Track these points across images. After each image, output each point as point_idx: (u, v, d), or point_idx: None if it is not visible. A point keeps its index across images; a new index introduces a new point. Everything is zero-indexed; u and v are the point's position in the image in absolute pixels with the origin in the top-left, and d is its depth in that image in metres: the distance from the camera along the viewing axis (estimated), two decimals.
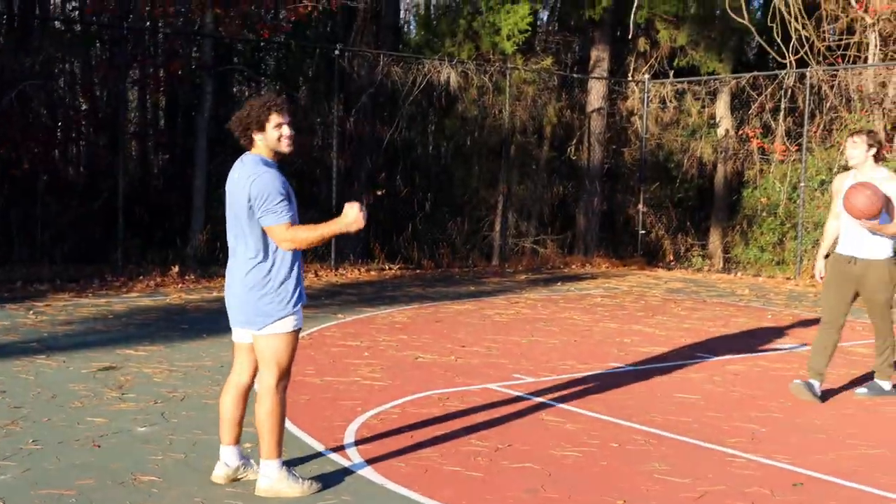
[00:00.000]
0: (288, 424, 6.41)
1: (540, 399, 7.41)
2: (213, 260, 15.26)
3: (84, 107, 17.14)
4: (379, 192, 17.94)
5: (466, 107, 18.77)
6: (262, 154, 5.00)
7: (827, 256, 7.85)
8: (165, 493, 5.03)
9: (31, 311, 10.90)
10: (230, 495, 5.04)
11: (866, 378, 8.54)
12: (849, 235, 7.52)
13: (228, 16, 15.78)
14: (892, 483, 5.55)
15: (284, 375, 5.05)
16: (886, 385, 7.72)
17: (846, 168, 17.25)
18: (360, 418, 6.63)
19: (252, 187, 4.81)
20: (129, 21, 16.33)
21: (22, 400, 6.86)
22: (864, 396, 7.70)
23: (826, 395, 7.69)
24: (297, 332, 5.05)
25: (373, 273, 16.23)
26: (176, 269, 14.36)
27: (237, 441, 5.21)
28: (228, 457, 5.19)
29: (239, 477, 5.18)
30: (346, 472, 5.48)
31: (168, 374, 7.87)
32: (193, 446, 5.89)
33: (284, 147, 5.02)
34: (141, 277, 13.85)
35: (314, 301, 12.52)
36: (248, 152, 5.05)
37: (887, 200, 7.23)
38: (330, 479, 5.32)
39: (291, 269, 4.98)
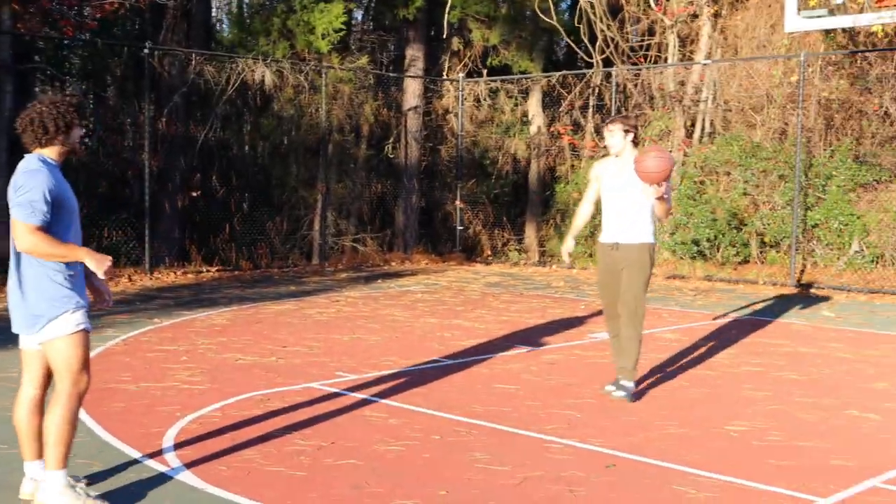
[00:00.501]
0: (101, 433, 6.25)
1: (363, 395, 7.44)
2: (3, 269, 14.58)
3: None
4: (194, 193, 17.58)
5: (282, 106, 18.58)
6: (49, 155, 4.81)
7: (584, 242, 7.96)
8: None
9: None
10: None
11: (672, 363, 8.95)
12: (610, 222, 7.43)
13: (28, 12, 15.15)
14: (697, 460, 5.82)
15: (78, 379, 4.79)
16: (632, 386, 7.36)
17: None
18: (179, 423, 6.50)
19: (15, 179, 4.65)
20: None
21: None
22: (618, 398, 7.32)
23: (640, 380, 7.98)
24: (83, 332, 4.81)
25: (190, 276, 15.89)
26: None
27: (41, 455, 4.93)
28: (35, 472, 4.95)
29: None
30: (166, 478, 5.37)
31: None
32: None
33: (79, 149, 5.03)
34: None
35: (128, 306, 12.18)
36: (32, 153, 4.82)
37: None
38: (148, 487, 5.20)
39: (60, 270, 4.75)
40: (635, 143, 7.42)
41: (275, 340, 9.86)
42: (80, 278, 4.89)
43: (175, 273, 15.90)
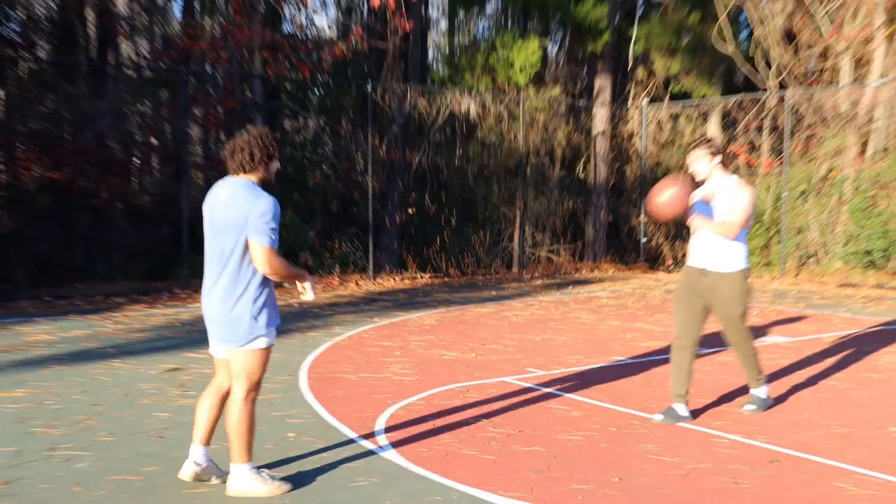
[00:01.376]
0: (326, 416, 6.49)
1: (549, 389, 7.43)
2: None
3: (153, 142, 17.31)
4: (410, 211, 18.00)
5: (485, 133, 18.80)
6: (253, 180, 4.73)
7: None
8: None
9: (110, 321, 11.04)
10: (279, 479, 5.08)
11: (839, 367, 8.52)
12: (700, 246, 6.52)
13: (275, 59, 15.91)
14: (860, 459, 5.53)
15: (254, 388, 4.79)
16: (762, 393, 6.77)
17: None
18: (390, 409, 6.67)
19: (255, 206, 4.56)
20: (190, 66, 16.50)
21: (98, 398, 6.98)
22: (750, 412, 6.67)
23: (808, 382, 7.65)
24: (268, 349, 4.80)
25: (406, 281, 16.28)
26: None
27: (208, 442, 5.00)
28: (198, 456, 4.98)
29: (204, 479, 4.97)
30: (376, 456, 5.52)
31: None
32: None
33: (273, 180, 4.87)
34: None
35: (354, 307, 12.58)
36: (235, 177, 4.75)
37: (732, 202, 6.32)
38: (362, 464, 5.37)
39: (263, 290, 4.72)
40: (724, 166, 6.47)
41: (475, 339, 9.98)
42: (274, 295, 4.84)
43: (394, 279, 16.33)
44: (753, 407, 6.69)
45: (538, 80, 19.92)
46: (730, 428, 6.24)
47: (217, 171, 18.62)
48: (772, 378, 7.71)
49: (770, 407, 6.77)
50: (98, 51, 18.06)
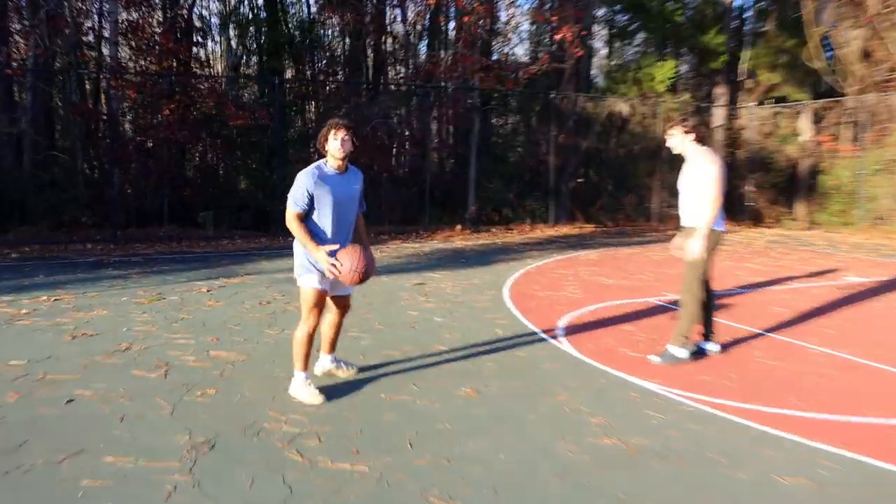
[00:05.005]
0: (522, 319, 6.43)
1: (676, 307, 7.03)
2: (480, 222, 15.44)
3: (407, 133, 17.62)
4: (579, 180, 17.51)
5: (633, 126, 17.93)
6: (327, 161, 4.06)
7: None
8: (451, 357, 5.15)
9: (379, 251, 11.42)
10: (489, 360, 5.08)
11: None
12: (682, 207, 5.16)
13: (488, 76, 15.76)
14: None
15: (306, 318, 4.11)
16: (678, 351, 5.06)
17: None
18: (566, 317, 6.52)
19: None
20: (431, 82, 16.63)
21: (372, 300, 7.21)
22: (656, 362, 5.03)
23: (881, 310, 6.84)
24: (316, 289, 4.05)
25: (576, 230, 15.90)
26: (459, 227, 14.63)
27: (330, 351, 4.58)
28: (325, 361, 4.62)
29: (333, 372, 4.62)
30: (557, 349, 5.42)
31: (453, 287, 8.05)
32: (467, 330, 5.99)
33: (336, 152, 4.00)
34: (438, 232, 14.21)
35: (540, 246, 12.42)
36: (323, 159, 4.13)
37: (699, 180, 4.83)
38: (547, 352, 5.28)
39: (321, 242, 4.03)
40: (700, 141, 4.94)
41: (626, 270, 9.60)
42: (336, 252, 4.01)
43: (567, 228, 15.99)
44: (659, 360, 5.03)
45: (672, 88, 18.73)
46: (817, 341, 5.68)
47: (447, 153, 18.85)
48: (851, 306, 6.93)
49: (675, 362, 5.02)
50: (373, 74, 18.52)
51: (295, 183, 3.96)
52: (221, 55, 16.75)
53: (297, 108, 16.40)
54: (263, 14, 17.29)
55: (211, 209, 13.33)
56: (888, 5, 15.68)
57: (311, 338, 4.18)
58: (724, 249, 12.37)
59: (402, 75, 19.55)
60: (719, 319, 6.46)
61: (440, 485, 3.14)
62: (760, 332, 6.04)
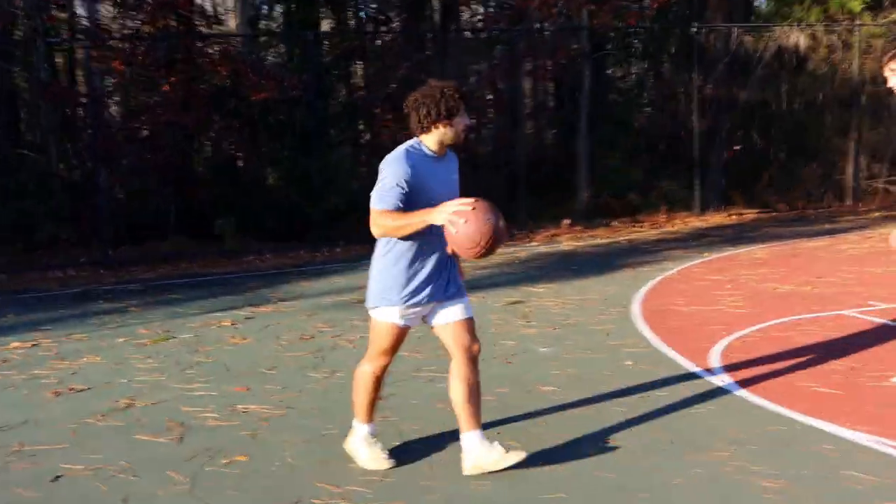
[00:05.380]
0: (660, 346, 6.38)
1: (894, 324, 6.80)
2: (597, 213, 15.38)
3: (490, 96, 17.73)
4: (736, 148, 17.15)
5: (817, 65, 17.40)
6: (426, 143, 3.95)
7: None
8: (563, 399, 5.18)
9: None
10: (616, 403, 5.08)
11: None
12: None
13: (600, 10, 15.69)
14: None
15: (375, 357, 4.22)
16: None
17: None
18: (724, 340, 6.45)
19: (380, 168, 3.92)
20: (522, 24, 16.69)
21: None
22: None
23: None
24: (396, 325, 4.10)
25: (733, 217, 15.58)
26: (567, 222, 14.61)
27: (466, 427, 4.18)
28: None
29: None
30: (713, 386, 5.36)
31: (562, 305, 8.06)
32: (585, 363, 6.00)
33: (460, 135, 3.94)
34: (539, 230, 14.23)
35: (681, 243, 12.25)
36: (411, 141, 4.02)
37: None
38: (698, 392, 5.23)
39: (411, 262, 4.01)
40: None
41: (809, 272, 9.36)
42: (433, 271, 4.05)
43: (720, 215, 15.69)
44: None
45: (875, 5, 18.07)
46: None
47: (546, 119, 18.84)
48: None
49: None
50: (441, 19, 18.75)
51: (382, 172, 3.87)
52: (235, 7, 17.36)
53: (339, 72, 16.81)
54: None
55: (230, 215, 13.78)
56: None
57: (379, 380, 4.28)
58: None
59: (480, 17, 19.74)
60: None
61: None
62: None
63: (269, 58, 16.64)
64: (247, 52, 15.49)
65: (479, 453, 4.05)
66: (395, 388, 5.57)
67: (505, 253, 12.05)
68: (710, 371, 5.65)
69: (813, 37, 16.88)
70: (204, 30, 16.28)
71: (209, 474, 4.27)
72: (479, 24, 19.12)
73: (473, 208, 3.63)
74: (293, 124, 14.72)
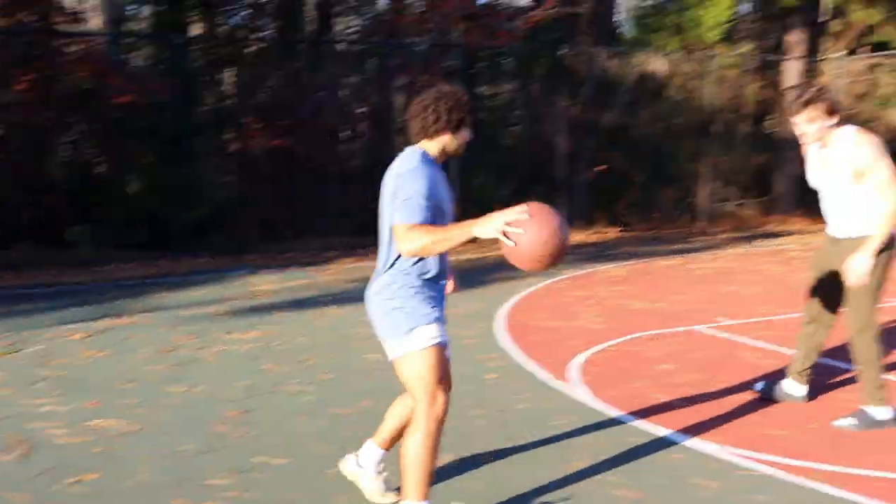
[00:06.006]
0: (522, 360, 6.50)
1: (739, 339, 7.17)
2: None
3: (362, 109, 17.70)
4: (599, 169, 17.70)
5: (674, 91, 18.19)
6: (430, 150, 3.61)
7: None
8: None
9: (326, 273, 11.47)
10: (478, 416, 5.15)
11: None
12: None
13: (473, 29, 15.92)
14: None
15: (430, 405, 3.49)
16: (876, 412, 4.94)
17: None
18: (583, 355, 6.61)
19: (395, 182, 3.47)
20: (395, 39, 16.78)
21: (317, 341, 7.26)
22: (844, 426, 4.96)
23: None
24: (440, 345, 3.55)
25: (594, 236, 16.05)
26: None
27: (382, 446, 4.08)
28: (363, 456, 4.13)
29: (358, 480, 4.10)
30: (572, 399, 5.49)
31: None
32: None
33: (462, 146, 3.72)
34: None
35: None
36: (412, 147, 3.63)
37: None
38: (558, 405, 5.35)
39: (435, 280, 3.68)
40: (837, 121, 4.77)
41: (664, 290, 9.73)
42: (442, 291, 3.76)
43: (583, 233, 16.13)
44: (853, 422, 4.94)
45: (728, 37, 19.04)
46: None
47: None
48: None
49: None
50: (317, 29, 18.63)
51: (407, 183, 3.39)
52: (100, 5, 16.77)
53: (208, 78, 16.47)
54: None
55: (87, 222, 13.28)
56: None
57: (439, 439, 3.53)
58: (800, 256, 12.55)
59: (354, 30, 19.72)
60: (790, 350, 6.57)
61: None
62: (843, 364, 6.14)
63: (135, 60, 16.15)
64: (111, 53, 15.00)
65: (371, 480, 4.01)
66: (256, 402, 5.49)
67: (374, 266, 12.03)
68: (568, 384, 5.79)
69: (672, 64, 17.65)
70: (65, 27, 15.68)
71: (54, 493, 4.09)
72: (354, 37, 19.10)
73: (530, 215, 3.24)
74: (158, 130, 14.33)
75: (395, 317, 3.54)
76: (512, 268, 3.56)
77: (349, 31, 19.62)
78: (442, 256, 3.66)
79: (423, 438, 3.46)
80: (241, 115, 15.59)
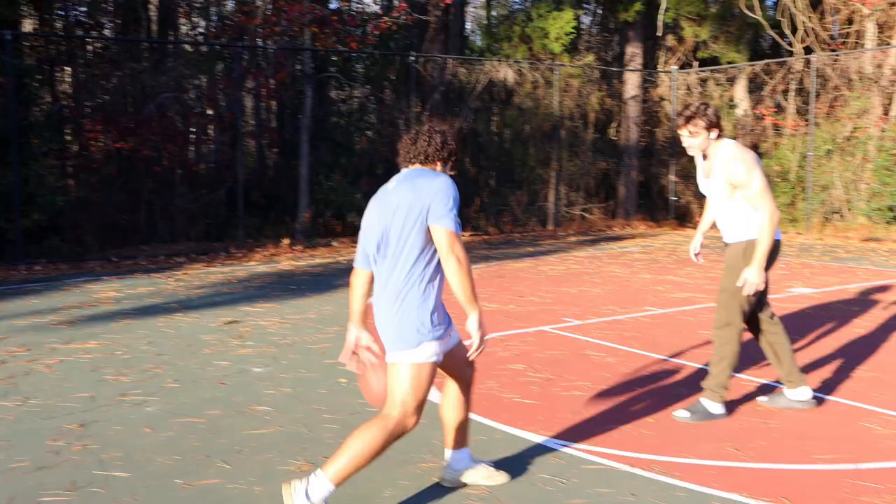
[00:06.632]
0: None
1: (585, 338, 7.38)
2: (317, 233, 15.45)
3: (210, 113, 17.33)
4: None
5: (522, 99, 18.63)
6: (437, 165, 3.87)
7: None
8: (277, 420, 5.13)
9: (172, 279, 11.14)
10: (329, 420, 5.11)
11: (863, 315, 8.35)
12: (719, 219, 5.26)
13: (323, 32, 15.84)
14: (886, 401, 5.41)
15: (412, 412, 3.64)
16: (712, 406, 5.15)
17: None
18: None
19: (441, 189, 3.58)
20: (244, 41, 16.48)
21: (163, 349, 7.04)
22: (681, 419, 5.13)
23: (833, 329, 7.50)
24: (435, 363, 3.67)
25: None
26: (286, 241, 14.55)
27: (456, 445, 4.10)
28: (463, 461, 4.14)
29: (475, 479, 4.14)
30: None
31: (279, 325, 8.00)
32: (299, 382, 5.99)
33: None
34: (258, 249, 14.05)
35: None
36: (413, 168, 3.82)
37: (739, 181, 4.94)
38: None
39: (438, 292, 3.71)
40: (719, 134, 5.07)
41: (514, 291, 9.93)
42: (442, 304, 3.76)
43: None
44: (687, 415, 5.13)
45: (572, 48, 19.68)
46: (754, 371, 6.15)
47: (268, 139, 18.68)
48: (798, 328, 7.56)
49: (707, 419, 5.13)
50: (159, 29, 18.09)
51: (449, 191, 3.58)
52: None
53: (42, 77, 15.70)
54: None
55: None
56: None
57: (389, 446, 3.61)
58: (641, 259, 13.08)
59: (200, 30, 19.25)
60: (634, 349, 6.82)
61: None
62: (681, 361, 6.43)
63: None
64: None
65: (475, 472, 4.09)
66: (97, 414, 5.26)
67: (222, 272, 11.78)
68: None
69: (519, 73, 18.07)
70: None
71: None
72: (200, 38, 18.64)
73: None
74: None
75: (403, 326, 3.62)
76: None
77: (195, 31, 19.16)
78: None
79: (380, 438, 3.54)
80: (80, 116, 14.96)
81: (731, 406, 5.34)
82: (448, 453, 4.13)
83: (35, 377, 6.16)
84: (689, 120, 5.01)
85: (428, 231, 3.57)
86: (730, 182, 4.98)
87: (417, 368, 3.60)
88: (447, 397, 4.08)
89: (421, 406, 3.64)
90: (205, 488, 4.09)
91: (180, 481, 4.17)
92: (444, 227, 3.52)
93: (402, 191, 3.62)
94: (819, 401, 5.43)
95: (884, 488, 4.06)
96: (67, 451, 4.63)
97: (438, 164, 3.83)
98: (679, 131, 5.13)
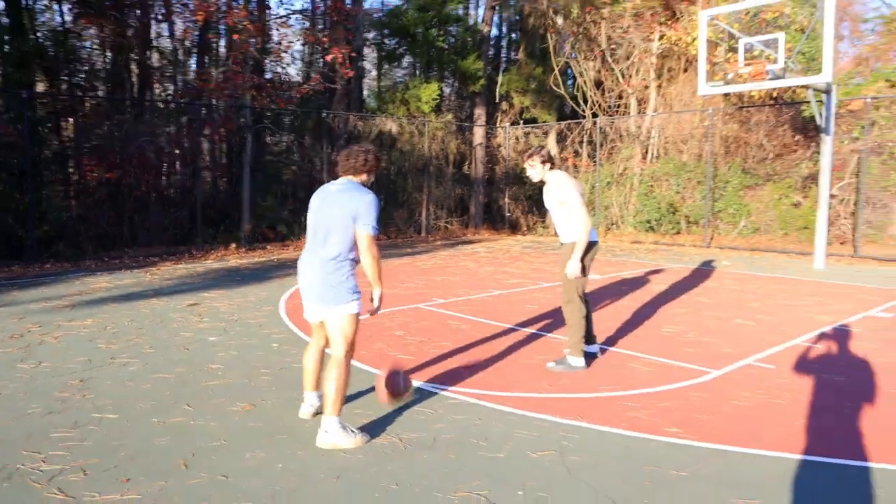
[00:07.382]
0: (298, 332, 6.41)
1: (447, 312, 7.49)
2: (256, 240, 15.07)
3: (177, 152, 16.61)
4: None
5: (402, 144, 18.66)
6: (355, 181, 3.88)
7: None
8: (226, 374, 5.04)
9: (149, 274, 10.68)
10: (265, 374, 5.05)
11: (630, 294, 8.77)
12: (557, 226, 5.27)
13: (260, 94, 15.46)
14: (644, 348, 5.71)
15: (351, 347, 3.81)
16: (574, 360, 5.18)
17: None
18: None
19: (364, 199, 3.69)
20: (202, 100, 15.89)
21: (142, 324, 6.77)
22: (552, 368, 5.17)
23: (611, 303, 7.85)
24: (358, 314, 3.78)
25: None
26: (233, 246, 14.14)
27: (316, 388, 4.14)
28: (311, 399, 4.15)
29: (319, 412, 4.16)
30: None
31: (228, 306, 7.81)
32: (243, 347, 5.89)
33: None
34: (212, 251, 13.61)
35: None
36: (347, 178, 3.89)
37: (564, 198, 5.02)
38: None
39: (353, 268, 3.80)
40: (552, 167, 5.20)
41: (397, 280, 9.98)
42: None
43: None
44: (555, 365, 5.18)
45: (437, 109, 19.85)
46: (558, 330, 6.40)
47: (220, 172, 18.05)
48: (595, 300, 7.93)
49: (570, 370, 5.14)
50: (139, 91, 17.23)
51: (373, 206, 3.72)
52: None
53: (51, 125, 14.70)
54: (6, 20, 15.26)
55: None
56: (613, 43, 18.10)
57: (349, 374, 3.86)
58: (486, 256, 13.35)
59: (170, 92, 18.41)
60: (481, 319, 7.01)
61: (217, 501, 3.09)
62: (515, 326, 6.66)
63: None
64: None
65: (337, 435, 3.71)
66: (93, 373, 5.04)
67: (186, 268, 11.37)
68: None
69: (400, 126, 18.10)
70: None
71: None
72: (169, 97, 17.85)
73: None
74: (9, 165, 12.63)
75: (341, 289, 3.71)
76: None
77: (166, 93, 18.35)
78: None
79: (343, 373, 3.69)
80: (79, 154, 14.10)
81: (548, 356, 5.55)
82: (313, 395, 4.12)
83: (45, 347, 5.84)
84: (530, 156, 5.18)
85: (354, 230, 3.70)
86: (558, 199, 5.12)
87: (353, 316, 3.75)
88: (313, 350, 4.06)
89: (354, 345, 3.81)
90: (174, 424, 4.00)
91: (156, 420, 4.06)
92: (366, 232, 3.68)
93: (342, 198, 3.71)
94: (603, 351, 5.72)
95: (640, 405, 4.35)
96: (71, 400, 4.44)
97: (364, 174, 3.88)
98: (524, 164, 5.26)
